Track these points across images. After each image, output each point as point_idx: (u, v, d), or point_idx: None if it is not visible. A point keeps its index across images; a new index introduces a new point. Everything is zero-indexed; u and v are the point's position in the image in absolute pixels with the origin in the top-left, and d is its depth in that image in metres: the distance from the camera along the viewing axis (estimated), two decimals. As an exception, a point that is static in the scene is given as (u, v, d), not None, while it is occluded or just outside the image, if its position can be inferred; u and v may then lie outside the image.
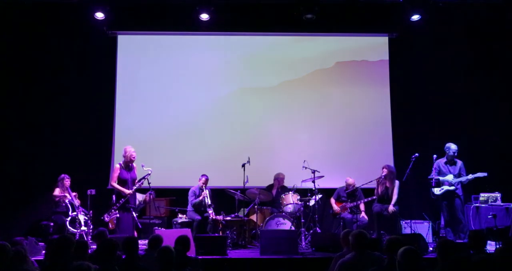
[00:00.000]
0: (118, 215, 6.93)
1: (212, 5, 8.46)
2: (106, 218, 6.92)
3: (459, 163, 7.63)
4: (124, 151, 7.16)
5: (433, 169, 7.64)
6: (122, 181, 7.04)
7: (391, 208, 7.52)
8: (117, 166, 7.13)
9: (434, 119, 9.01)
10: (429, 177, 7.58)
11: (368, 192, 8.02)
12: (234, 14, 8.87)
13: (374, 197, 7.82)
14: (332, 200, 8.26)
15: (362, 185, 7.89)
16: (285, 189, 8.30)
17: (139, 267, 4.35)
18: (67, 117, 8.91)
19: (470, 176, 7.47)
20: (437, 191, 7.52)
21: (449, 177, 7.52)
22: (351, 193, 7.97)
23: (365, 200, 7.86)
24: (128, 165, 7.16)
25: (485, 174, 7.40)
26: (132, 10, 8.79)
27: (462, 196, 7.57)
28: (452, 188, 7.49)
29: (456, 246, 4.30)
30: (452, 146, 7.60)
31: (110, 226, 7.03)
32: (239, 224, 7.72)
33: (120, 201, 6.92)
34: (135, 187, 7.06)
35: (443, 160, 7.67)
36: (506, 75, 8.88)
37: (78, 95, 8.95)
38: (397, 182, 7.67)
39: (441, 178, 7.57)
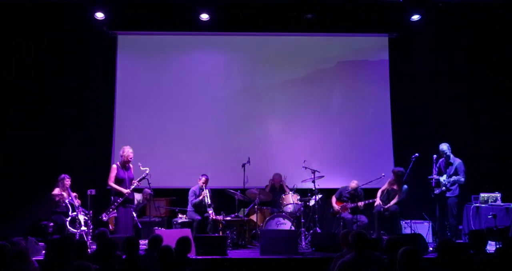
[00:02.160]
0: (116, 214, 6.93)
1: (212, 5, 8.46)
2: (104, 218, 6.93)
3: (456, 162, 7.48)
4: (122, 151, 7.16)
5: (435, 167, 7.57)
6: (119, 181, 7.04)
7: (382, 206, 7.60)
8: (114, 166, 7.14)
9: (434, 119, 9.00)
10: (429, 177, 7.55)
11: (370, 192, 8.02)
12: (234, 14, 8.87)
13: (374, 200, 7.82)
14: (333, 199, 8.23)
15: (362, 185, 7.90)
16: (284, 189, 8.32)
17: (139, 267, 4.35)
18: (67, 117, 8.91)
19: (452, 179, 7.37)
20: (437, 190, 7.49)
21: (442, 178, 7.48)
22: (353, 194, 7.96)
23: (366, 202, 7.85)
24: (125, 165, 7.16)
25: (462, 179, 7.33)
26: (132, 10, 8.78)
27: (455, 198, 7.43)
28: (444, 188, 7.44)
29: (457, 246, 4.31)
30: (441, 147, 7.50)
31: (111, 227, 7.03)
32: (239, 224, 7.72)
33: (118, 200, 6.92)
34: (133, 186, 7.06)
35: (443, 159, 7.63)
36: (506, 75, 8.88)
37: (78, 95, 8.96)
38: (404, 187, 7.67)
39: (437, 177, 7.53)
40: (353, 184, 7.98)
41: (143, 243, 6.18)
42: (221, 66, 9.29)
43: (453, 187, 7.42)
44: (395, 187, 7.75)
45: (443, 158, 7.58)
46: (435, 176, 7.38)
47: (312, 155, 8.69)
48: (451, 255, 3.85)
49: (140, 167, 7.04)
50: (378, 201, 7.78)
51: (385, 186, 7.89)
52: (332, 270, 4.55)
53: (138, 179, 7.09)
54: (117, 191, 6.99)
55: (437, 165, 7.50)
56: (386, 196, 7.79)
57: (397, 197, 7.66)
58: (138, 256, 4.72)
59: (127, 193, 6.96)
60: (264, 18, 8.93)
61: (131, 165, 7.23)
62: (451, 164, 7.51)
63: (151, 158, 8.13)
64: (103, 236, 5.49)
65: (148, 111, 9.09)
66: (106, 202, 7.19)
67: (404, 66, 9.20)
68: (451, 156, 7.51)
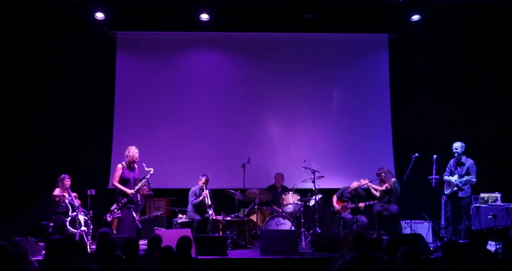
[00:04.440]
0: (120, 215, 6.92)
1: (212, 5, 8.45)
2: (108, 218, 6.90)
3: (468, 163, 7.44)
4: (128, 151, 7.14)
5: (446, 168, 7.55)
6: (124, 181, 7.02)
7: (364, 182, 7.75)
8: (120, 165, 7.10)
9: (434, 119, 9.00)
10: (429, 177, 7.53)
11: (371, 192, 8.00)
12: (234, 14, 8.86)
13: (375, 201, 7.83)
14: (334, 198, 8.22)
15: (363, 185, 7.90)
16: (285, 189, 8.31)
17: (139, 267, 4.35)
18: (67, 117, 8.91)
19: (464, 179, 7.36)
20: (447, 190, 7.45)
21: (453, 178, 7.46)
22: (354, 194, 7.95)
23: (367, 203, 7.85)
24: (130, 165, 7.14)
25: (474, 179, 7.33)
26: (132, 10, 8.77)
27: (468, 198, 7.42)
28: (455, 189, 7.43)
29: (460, 246, 4.30)
30: (454, 144, 7.49)
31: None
32: (239, 224, 7.72)
33: (122, 200, 6.91)
34: (137, 187, 7.04)
35: (454, 160, 7.56)
36: (506, 75, 8.88)
37: (77, 95, 8.96)
38: (393, 179, 7.77)
39: (446, 177, 7.51)
40: (354, 184, 7.98)
41: (143, 243, 6.17)
42: (221, 66, 9.28)
43: (465, 187, 7.39)
44: (386, 185, 7.77)
45: (454, 158, 7.54)
46: (435, 176, 7.37)
47: (312, 155, 8.69)
48: (453, 255, 3.86)
49: (145, 167, 7.01)
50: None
51: (382, 189, 7.87)
52: (332, 270, 4.55)
53: (139, 179, 7.08)
54: (121, 191, 6.97)
55: (448, 166, 7.49)
56: (387, 198, 7.78)
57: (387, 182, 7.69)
58: (138, 256, 4.72)
59: (131, 193, 6.95)
60: (264, 18, 8.93)
61: (136, 166, 7.22)
62: (463, 164, 7.47)
63: (151, 158, 8.06)
64: (105, 236, 5.48)
65: (147, 111, 9.08)
66: (106, 202, 7.18)
67: (404, 66, 9.20)
68: (463, 156, 7.49)
